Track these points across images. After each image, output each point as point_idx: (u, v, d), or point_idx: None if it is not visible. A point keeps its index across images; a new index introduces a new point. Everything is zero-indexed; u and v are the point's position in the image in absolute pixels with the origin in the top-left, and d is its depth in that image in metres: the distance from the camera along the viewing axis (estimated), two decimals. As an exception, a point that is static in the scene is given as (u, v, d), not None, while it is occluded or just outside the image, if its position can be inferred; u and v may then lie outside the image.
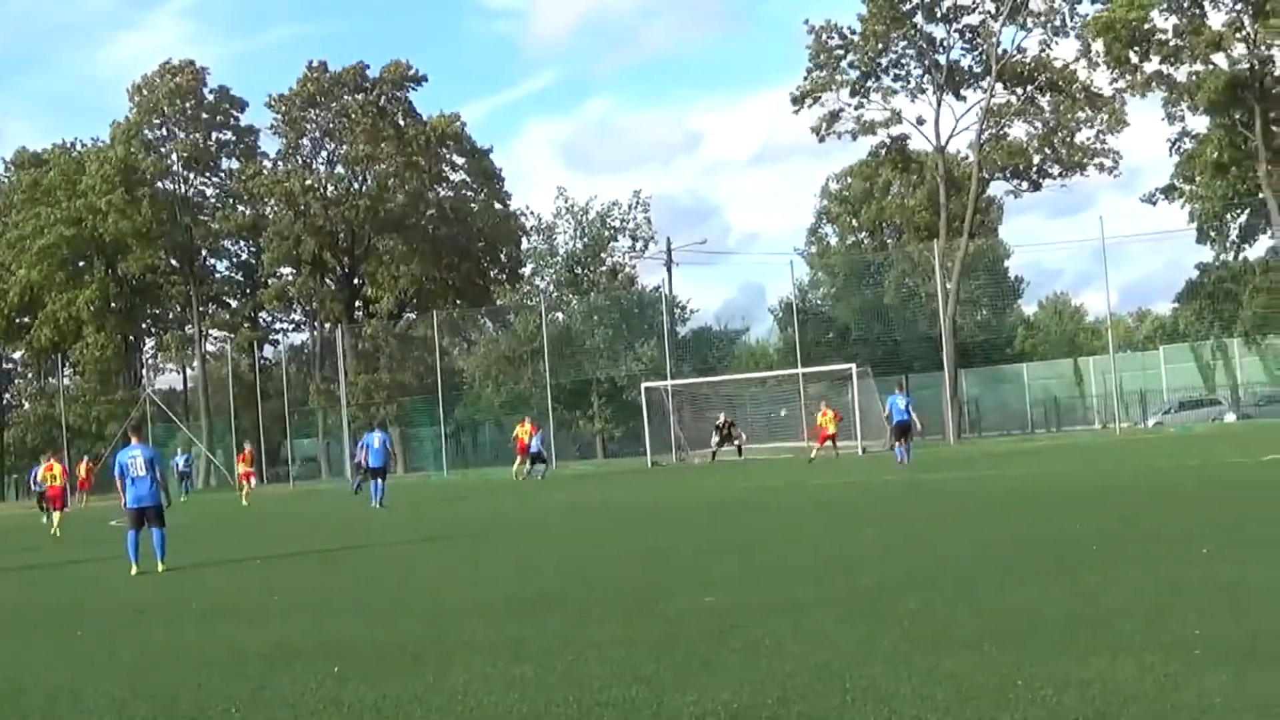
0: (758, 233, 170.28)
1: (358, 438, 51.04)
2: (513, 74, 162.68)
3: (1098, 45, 59.70)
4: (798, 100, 64.92)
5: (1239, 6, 56.95)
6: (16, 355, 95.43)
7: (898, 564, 12.71)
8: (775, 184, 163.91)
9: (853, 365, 55.21)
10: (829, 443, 44.90)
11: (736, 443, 52.95)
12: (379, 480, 36.20)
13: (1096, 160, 63.81)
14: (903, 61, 64.66)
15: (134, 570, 17.63)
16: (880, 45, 63.28)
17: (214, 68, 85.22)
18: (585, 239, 74.63)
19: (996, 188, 71.78)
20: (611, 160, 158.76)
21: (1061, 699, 6.40)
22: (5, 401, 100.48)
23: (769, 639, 8.58)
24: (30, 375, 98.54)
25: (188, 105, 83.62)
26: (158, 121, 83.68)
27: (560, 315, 75.58)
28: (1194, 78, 58.63)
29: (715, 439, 53.75)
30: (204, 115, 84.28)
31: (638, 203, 75.51)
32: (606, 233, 74.80)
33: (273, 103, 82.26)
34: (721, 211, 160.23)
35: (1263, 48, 56.97)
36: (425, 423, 74.07)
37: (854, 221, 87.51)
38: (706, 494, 30.03)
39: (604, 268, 75.11)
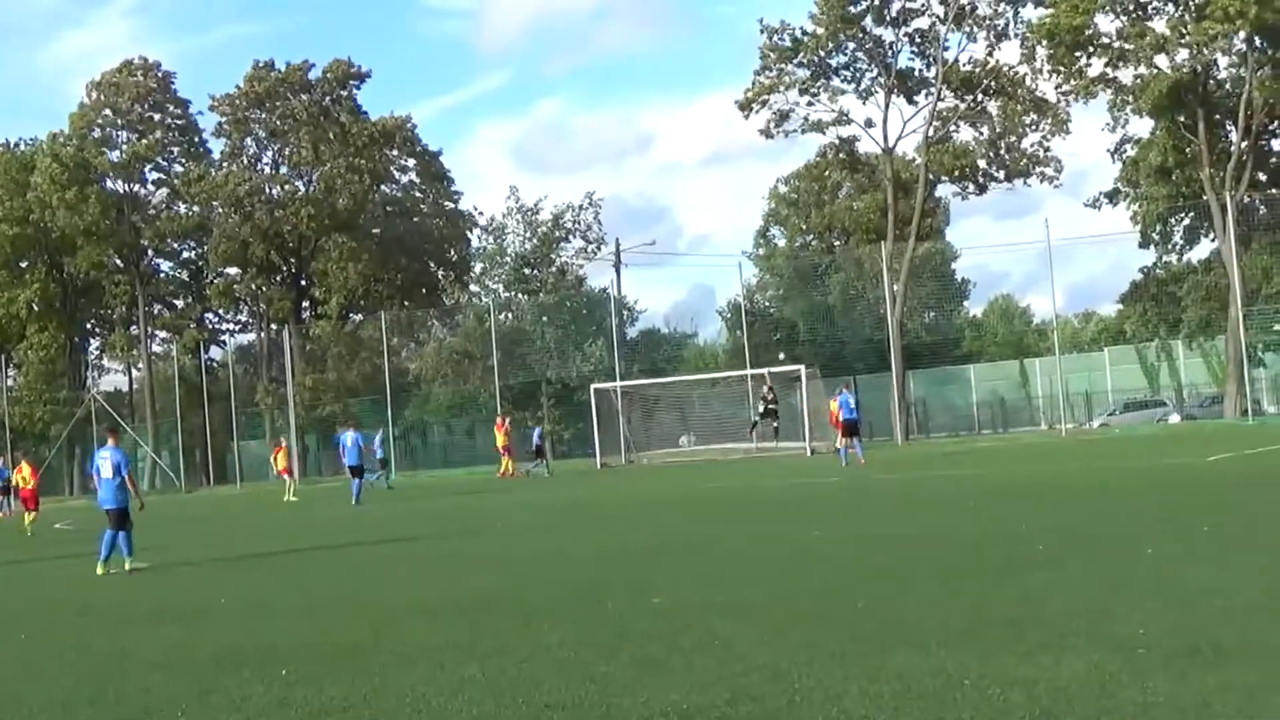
0: (709, 234, 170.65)
1: (306, 439, 51.26)
2: (463, 75, 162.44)
3: (1041, 50, 60.15)
4: (745, 106, 65.10)
5: (1181, 12, 57.41)
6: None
7: (845, 564, 12.76)
8: (727, 186, 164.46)
9: (801, 367, 55.36)
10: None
11: (774, 424, 52.25)
12: (357, 479, 36.52)
13: (1039, 169, 64.74)
14: (853, 64, 64.95)
15: (129, 566, 17.69)
16: (830, 45, 63.52)
17: (159, 66, 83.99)
18: (535, 240, 74.46)
19: (943, 190, 72.37)
20: (563, 161, 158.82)
21: (1008, 697, 6.44)
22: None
23: (718, 639, 8.59)
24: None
25: (139, 105, 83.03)
26: (109, 118, 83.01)
27: (509, 316, 75.42)
28: (1138, 80, 59.03)
29: (759, 411, 52.81)
30: (154, 115, 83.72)
31: (589, 204, 75.42)
32: (558, 233, 74.70)
33: (216, 104, 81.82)
34: (672, 213, 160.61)
35: (1205, 51, 57.34)
36: (373, 424, 73.68)
37: (802, 224, 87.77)
38: (656, 495, 30.03)
39: (553, 268, 74.98)
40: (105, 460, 18.34)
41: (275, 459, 49.68)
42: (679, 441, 56.41)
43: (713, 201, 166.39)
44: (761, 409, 52.68)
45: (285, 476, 47.95)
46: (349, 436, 37.76)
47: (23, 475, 37.23)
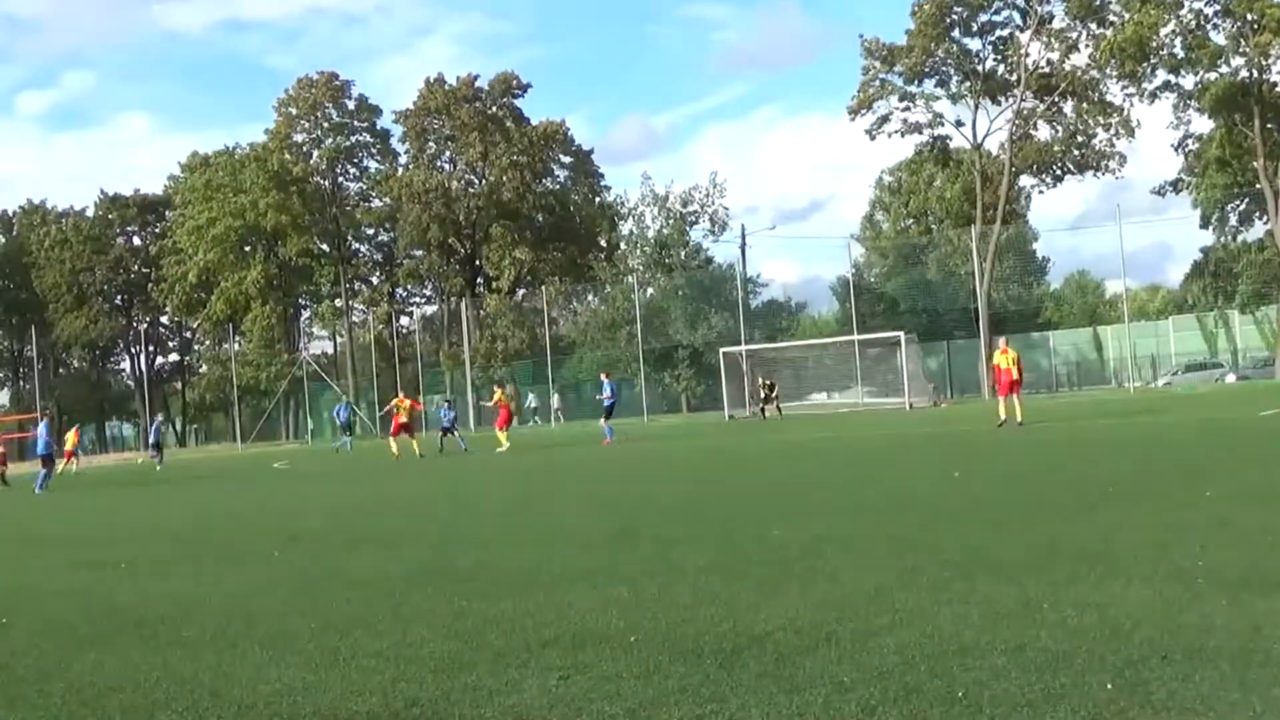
0: (833, 217, 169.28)
1: (481, 394, 51.27)
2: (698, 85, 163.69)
3: (1110, 62, 59.00)
4: (853, 112, 64.89)
5: (1238, 26, 56.19)
6: (195, 325, 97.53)
7: (938, 503, 12.62)
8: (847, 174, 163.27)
9: (901, 333, 55.00)
10: (1005, 395, 29.40)
11: (775, 403, 52.64)
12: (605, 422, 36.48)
13: (1104, 162, 63.99)
14: (943, 70, 64.37)
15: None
16: (925, 57, 62.95)
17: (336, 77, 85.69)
18: (669, 223, 74.50)
19: (1025, 180, 71.21)
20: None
21: (1081, 619, 6.34)
22: (186, 364, 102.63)
23: (827, 566, 8.56)
24: (208, 343, 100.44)
25: (334, 112, 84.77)
26: (308, 125, 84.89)
27: (650, 290, 75.65)
28: (1200, 84, 58.14)
29: (760, 397, 53.29)
30: (347, 120, 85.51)
31: (714, 186, 75.15)
32: (689, 216, 74.63)
33: (399, 117, 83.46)
34: (819, 199, 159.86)
35: (1259, 59, 56.28)
36: (535, 381, 74.59)
37: (904, 209, 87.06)
38: (775, 444, 29.99)
39: (686, 248, 75.11)
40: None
41: (502, 400, 39.09)
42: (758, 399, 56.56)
43: (837, 189, 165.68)
44: (762, 397, 52.91)
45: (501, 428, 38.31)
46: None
47: (66, 437, 38.91)
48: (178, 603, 9.18)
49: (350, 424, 52.17)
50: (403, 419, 37.80)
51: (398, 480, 25.16)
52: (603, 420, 37.03)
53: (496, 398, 39.09)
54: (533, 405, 73.42)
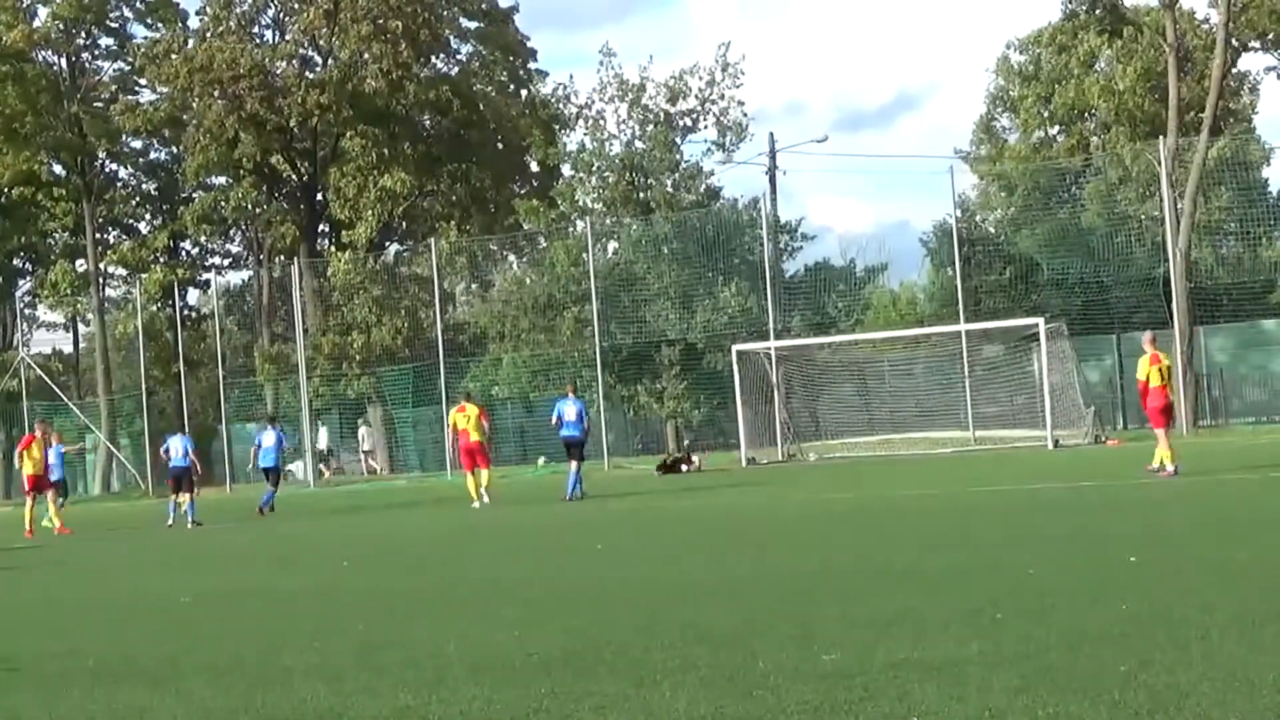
0: (906, 124, 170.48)
1: (319, 420, 50.58)
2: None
3: None
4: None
5: None
6: None
7: (1096, 606, 12.58)
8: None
9: (1040, 320, 55.04)
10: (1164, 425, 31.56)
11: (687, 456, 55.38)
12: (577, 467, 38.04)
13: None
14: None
15: None
16: None
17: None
18: (648, 132, 74.29)
19: (1251, 62, 71.32)
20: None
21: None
22: None
23: (916, 714, 8.50)
24: None
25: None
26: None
27: (614, 245, 75.51)
28: None
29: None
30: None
31: (726, 71, 74.82)
32: (682, 120, 74.48)
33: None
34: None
35: None
36: (419, 400, 74.19)
37: (1043, 110, 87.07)
38: (829, 505, 30.04)
39: (677, 173, 74.86)
40: None
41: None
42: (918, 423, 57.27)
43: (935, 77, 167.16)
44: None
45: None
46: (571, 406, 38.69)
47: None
48: None
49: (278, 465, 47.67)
50: (30, 466, 39.50)
51: (175, 570, 25.01)
52: (571, 465, 38.40)
53: (452, 418, 40.61)
54: (323, 447, 73.56)
